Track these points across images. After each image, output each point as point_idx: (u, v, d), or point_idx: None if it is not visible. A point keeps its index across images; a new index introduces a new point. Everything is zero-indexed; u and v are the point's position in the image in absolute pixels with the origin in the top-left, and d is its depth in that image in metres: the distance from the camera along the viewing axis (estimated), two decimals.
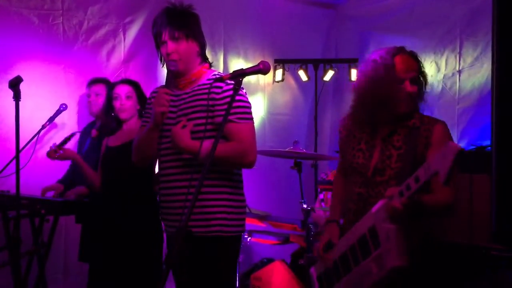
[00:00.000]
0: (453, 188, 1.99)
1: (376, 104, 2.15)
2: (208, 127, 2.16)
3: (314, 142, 4.79)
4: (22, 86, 2.73)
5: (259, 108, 4.84)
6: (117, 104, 3.09)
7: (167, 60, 2.30)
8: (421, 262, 2.09)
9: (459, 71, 3.98)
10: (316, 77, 4.83)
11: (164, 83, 2.39)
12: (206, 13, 4.32)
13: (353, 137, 2.28)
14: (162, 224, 2.57)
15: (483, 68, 3.79)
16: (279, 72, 4.81)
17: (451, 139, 2.15)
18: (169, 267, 1.73)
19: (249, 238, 3.67)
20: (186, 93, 2.32)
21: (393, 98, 2.12)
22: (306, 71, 4.83)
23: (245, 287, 3.63)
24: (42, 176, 3.66)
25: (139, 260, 2.97)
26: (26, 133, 3.46)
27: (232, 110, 2.17)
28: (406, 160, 2.10)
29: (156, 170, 3.05)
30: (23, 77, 2.74)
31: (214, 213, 2.23)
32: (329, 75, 4.83)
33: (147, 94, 2.89)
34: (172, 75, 2.32)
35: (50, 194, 3.45)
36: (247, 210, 2.87)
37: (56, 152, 3.16)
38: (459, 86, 3.98)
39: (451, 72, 4.03)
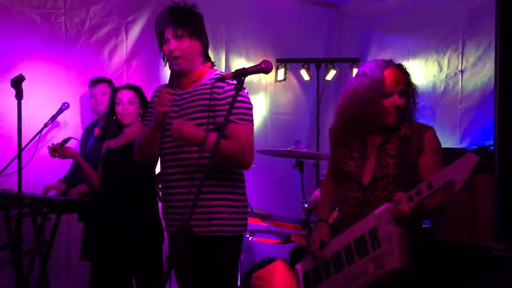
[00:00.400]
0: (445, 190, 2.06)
1: (365, 117, 2.24)
2: (210, 126, 2.16)
3: (316, 141, 4.79)
4: (24, 85, 2.73)
5: (261, 107, 4.84)
6: (119, 109, 3.09)
7: (170, 58, 2.30)
8: (423, 262, 2.11)
9: (462, 71, 3.97)
10: (318, 77, 4.82)
11: (166, 82, 2.39)
12: (208, 13, 4.29)
13: (344, 146, 2.35)
14: (163, 223, 2.57)
15: (485, 68, 3.78)
16: (281, 72, 4.81)
17: (439, 144, 2.27)
18: (171, 266, 1.73)
19: (251, 237, 3.68)
20: (188, 93, 2.32)
21: (381, 111, 2.22)
22: (308, 71, 4.82)
23: (247, 287, 3.63)
24: (44, 174, 3.67)
25: (140, 259, 2.98)
26: (28, 132, 3.47)
27: (233, 111, 2.16)
28: (400, 167, 2.19)
29: (158, 169, 3.06)
30: (25, 75, 2.74)
31: (215, 212, 2.23)
32: (331, 74, 4.83)
33: (149, 95, 2.90)
34: (175, 75, 2.31)
35: (52, 193, 3.45)
36: (249, 210, 2.87)
37: (56, 150, 3.17)
38: (461, 86, 3.97)
39: (454, 72, 4.02)
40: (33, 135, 3.55)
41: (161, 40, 2.34)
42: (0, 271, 3.24)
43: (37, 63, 3.76)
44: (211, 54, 2.55)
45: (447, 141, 3.92)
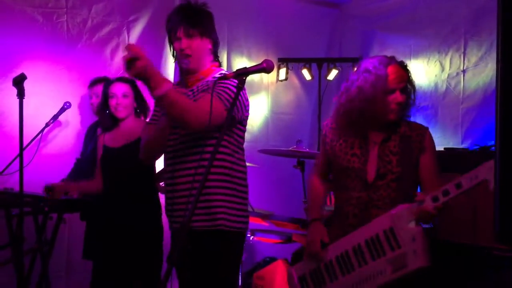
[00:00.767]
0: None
1: (369, 113, 2.25)
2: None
3: (317, 141, 4.78)
4: (26, 84, 2.74)
5: (262, 107, 4.84)
6: (113, 102, 3.06)
7: (180, 56, 2.33)
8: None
9: (464, 71, 3.96)
10: (319, 76, 4.82)
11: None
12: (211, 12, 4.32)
13: (343, 142, 2.34)
14: (163, 222, 2.58)
15: (487, 67, 3.77)
16: (283, 71, 4.81)
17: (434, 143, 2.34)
18: (172, 265, 1.73)
19: (252, 237, 3.67)
20: (191, 90, 2.34)
21: (384, 108, 2.24)
22: (309, 70, 4.82)
23: (248, 286, 3.63)
24: (45, 173, 3.67)
25: (139, 259, 2.98)
26: (30, 131, 3.48)
27: (217, 89, 2.16)
28: (404, 165, 2.23)
29: (158, 168, 3.06)
30: (27, 75, 2.74)
31: (218, 207, 2.23)
32: (332, 74, 4.82)
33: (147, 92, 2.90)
34: (184, 73, 2.35)
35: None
36: (250, 209, 2.86)
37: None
38: (463, 85, 3.96)
39: (456, 72, 4.02)
40: (35, 134, 3.56)
41: (172, 38, 2.36)
42: (1, 270, 3.25)
43: (39, 62, 3.76)
44: None
45: (449, 141, 3.91)
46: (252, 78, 4.45)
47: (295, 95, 5.02)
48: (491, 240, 2.52)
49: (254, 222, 3.64)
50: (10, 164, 3.36)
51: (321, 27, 5.05)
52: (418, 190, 2.39)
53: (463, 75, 3.96)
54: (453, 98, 4.01)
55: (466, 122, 3.91)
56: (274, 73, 4.74)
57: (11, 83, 2.77)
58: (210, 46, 2.37)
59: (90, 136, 3.60)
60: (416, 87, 2.37)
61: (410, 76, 2.31)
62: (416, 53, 4.30)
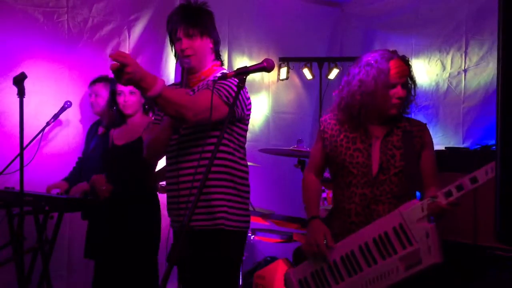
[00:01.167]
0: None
1: (371, 107, 2.24)
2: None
3: None
4: (26, 83, 2.74)
5: (263, 106, 4.84)
6: (121, 100, 3.10)
7: (182, 56, 2.33)
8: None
9: (465, 70, 3.96)
10: (320, 76, 4.82)
11: (169, 80, 2.40)
12: (211, 11, 4.32)
13: (345, 137, 2.31)
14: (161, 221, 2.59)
15: (488, 67, 3.77)
16: (284, 70, 4.81)
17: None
18: (172, 265, 1.73)
19: (253, 236, 3.67)
20: (193, 90, 2.34)
21: (385, 102, 2.23)
22: (310, 70, 4.82)
23: (249, 285, 3.63)
24: (46, 173, 3.67)
25: (141, 258, 2.98)
26: (31, 130, 3.48)
27: (217, 85, 2.17)
28: (408, 159, 2.22)
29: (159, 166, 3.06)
30: (27, 74, 2.74)
31: (218, 206, 2.23)
32: (333, 73, 4.82)
33: None
34: (186, 73, 2.34)
35: (54, 192, 3.46)
36: (251, 208, 2.86)
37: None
38: (464, 85, 3.96)
39: (457, 71, 4.01)
40: (36, 134, 3.55)
41: (173, 39, 2.37)
42: (2, 269, 3.24)
43: (39, 62, 3.76)
44: None
45: (450, 141, 3.91)
46: (253, 77, 4.45)
47: (296, 94, 5.02)
48: (493, 240, 2.51)
49: (255, 221, 3.64)
50: (10, 163, 3.36)
51: (322, 26, 5.05)
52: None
53: (464, 75, 3.96)
54: (454, 97, 4.01)
55: (467, 121, 3.91)
56: (275, 72, 4.74)
57: (11, 82, 2.77)
58: (211, 45, 2.37)
59: (91, 134, 3.60)
60: (417, 86, 2.37)
61: (411, 71, 2.31)
62: (417, 52, 4.30)
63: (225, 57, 4.56)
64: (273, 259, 3.81)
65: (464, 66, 3.96)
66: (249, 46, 4.72)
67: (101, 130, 3.44)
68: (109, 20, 3.99)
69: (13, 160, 3.33)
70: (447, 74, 4.08)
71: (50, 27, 3.79)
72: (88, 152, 3.53)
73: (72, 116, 3.88)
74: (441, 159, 2.46)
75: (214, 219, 2.22)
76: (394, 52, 2.30)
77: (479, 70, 3.86)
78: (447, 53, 4.08)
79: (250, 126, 4.64)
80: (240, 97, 2.22)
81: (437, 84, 4.12)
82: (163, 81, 2.03)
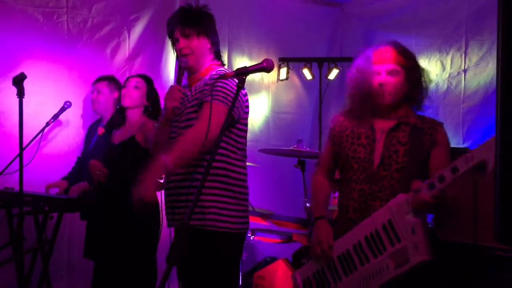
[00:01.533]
0: None
1: (363, 98, 2.24)
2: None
3: (318, 141, 4.78)
4: (26, 84, 2.74)
5: (263, 106, 4.84)
6: (123, 91, 3.13)
7: (180, 56, 2.36)
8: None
9: (465, 70, 3.96)
10: (320, 76, 4.82)
11: (168, 80, 2.42)
12: (211, 11, 4.31)
13: (350, 133, 2.28)
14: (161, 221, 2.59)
15: (488, 67, 3.77)
16: (284, 71, 4.80)
17: (448, 138, 2.28)
18: (171, 265, 1.73)
19: (252, 236, 3.67)
20: (191, 91, 2.36)
21: (372, 91, 2.20)
22: (310, 70, 4.82)
23: (248, 286, 3.63)
24: (46, 173, 3.67)
25: (140, 257, 2.98)
26: (30, 130, 3.48)
27: (216, 92, 2.20)
28: (412, 156, 2.14)
29: None
30: (27, 74, 2.74)
31: (208, 207, 2.23)
32: (333, 73, 4.82)
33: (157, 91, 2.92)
34: (182, 71, 2.37)
35: (54, 191, 3.46)
36: (250, 209, 2.85)
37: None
38: (464, 85, 3.96)
39: (457, 71, 4.01)
40: (35, 134, 3.55)
41: (173, 40, 2.41)
42: (2, 269, 3.24)
43: (39, 62, 3.76)
44: None
45: (450, 141, 3.89)
46: (252, 77, 4.45)
47: (296, 94, 5.02)
48: (493, 240, 2.51)
49: (255, 221, 3.64)
50: (10, 163, 3.36)
51: (322, 27, 5.05)
52: None
53: (464, 75, 3.96)
54: (454, 97, 4.01)
55: (467, 121, 3.91)
56: (274, 72, 4.73)
57: (11, 82, 2.77)
58: (208, 46, 2.38)
59: (91, 135, 3.60)
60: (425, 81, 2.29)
61: (409, 60, 2.24)
62: (417, 52, 4.25)
63: (225, 57, 4.56)
64: (272, 259, 3.80)
65: (464, 66, 3.96)
66: (249, 46, 4.72)
67: (100, 130, 3.43)
68: (108, 21, 3.99)
69: (12, 161, 3.33)
70: (447, 74, 4.08)
71: (49, 27, 3.79)
72: (87, 152, 3.53)
73: (72, 116, 3.88)
74: None
75: (204, 220, 2.22)
76: (389, 41, 2.26)
77: (479, 70, 3.86)
78: (447, 53, 4.08)
79: (250, 126, 4.64)
80: (238, 98, 2.22)
81: (437, 84, 4.12)
82: (165, 159, 2.11)
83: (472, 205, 2.70)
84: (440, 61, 4.12)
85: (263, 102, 4.84)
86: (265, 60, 2.02)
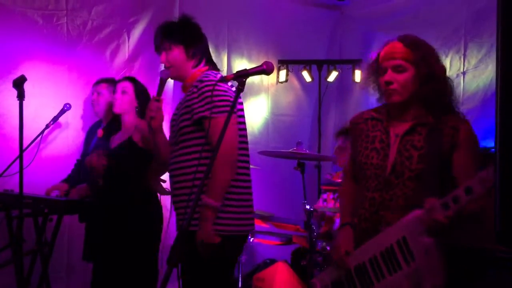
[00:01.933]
0: None
1: (377, 96, 2.12)
2: (192, 128, 2.26)
3: (317, 143, 4.79)
4: (26, 86, 2.74)
5: (262, 108, 4.84)
6: (113, 98, 3.16)
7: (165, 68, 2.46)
8: None
9: (464, 73, 3.96)
10: (319, 78, 4.82)
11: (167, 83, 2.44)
12: (210, 14, 4.33)
13: (365, 136, 2.13)
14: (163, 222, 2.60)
15: (487, 69, 3.78)
16: (283, 73, 4.81)
17: (477, 140, 2.04)
18: (171, 267, 1.73)
19: (252, 238, 3.67)
20: (183, 98, 2.40)
21: (380, 88, 2.08)
22: (309, 72, 4.83)
23: None
24: (45, 175, 3.67)
25: (140, 259, 2.98)
26: (30, 133, 3.48)
27: (208, 105, 2.22)
28: (429, 161, 1.95)
29: None
30: (27, 76, 2.74)
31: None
32: (333, 76, 4.83)
33: (153, 93, 2.90)
34: (162, 83, 2.46)
35: (54, 194, 3.45)
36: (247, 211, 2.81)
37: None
38: (463, 87, 3.97)
39: (456, 74, 4.02)
40: (35, 136, 3.55)
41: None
42: (1, 271, 3.24)
43: (39, 64, 3.76)
44: (212, 55, 2.58)
45: None
46: (252, 79, 4.45)
47: (295, 96, 5.02)
48: (493, 241, 2.51)
49: (254, 223, 3.64)
50: (10, 165, 3.35)
51: (322, 29, 5.06)
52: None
53: (463, 77, 3.96)
54: None
55: None
56: (274, 74, 4.74)
57: (10, 84, 2.77)
58: (184, 54, 2.40)
59: (90, 137, 3.60)
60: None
61: (414, 50, 2.03)
62: None
63: (224, 59, 4.58)
64: (272, 261, 3.80)
65: (463, 68, 3.97)
66: (248, 49, 4.72)
67: (100, 132, 3.44)
68: (108, 23, 4.00)
69: (12, 163, 3.33)
70: None
71: (49, 29, 3.80)
72: (87, 154, 3.53)
73: (72, 118, 3.88)
74: None
75: (194, 219, 2.19)
76: (400, 36, 2.07)
77: (478, 73, 3.86)
78: (446, 56, 4.08)
79: (249, 128, 4.64)
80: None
81: None
82: (209, 202, 2.15)
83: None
84: None
85: (263, 104, 4.84)
86: (265, 63, 2.02)
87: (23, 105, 2.72)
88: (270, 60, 2.10)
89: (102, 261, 3.08)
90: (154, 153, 2.65)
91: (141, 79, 3.39)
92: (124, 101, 3.13)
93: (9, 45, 3.67)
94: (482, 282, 2.57)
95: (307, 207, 3.41)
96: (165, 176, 2.75)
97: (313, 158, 4.22)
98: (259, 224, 3.70)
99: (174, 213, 2.45)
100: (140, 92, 3.16)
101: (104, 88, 3.55)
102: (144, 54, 4.13)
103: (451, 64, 4.05)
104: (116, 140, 3.16)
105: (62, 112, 3.69)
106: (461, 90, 3.97)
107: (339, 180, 3.63)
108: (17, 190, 2.84)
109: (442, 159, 1.96)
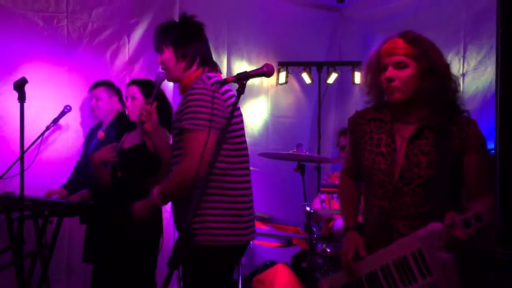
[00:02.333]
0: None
1: (375, 95, 2.05)
2: (174, 131, 2.26)
3: (317, 144, 4.79)
4: (26, 88, 2.75)
5: (262, 110, 4.85)
6: (127, 104, 3.12)
7: None
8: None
9: (463, 74, 3.96)
10: (319, 80, 4.83)
11: (168, 85, 2.43)
12: (210, 16, 4.32)
13: (369, 139, 2.04)
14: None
15: (487, 71, 3.78)
16: (283, 75, 4.82)
17: (485, 139, 1.99)
18: (172, 269, 1.74)
19: (252, 240, 3.67)
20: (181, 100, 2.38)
21: (382, 88, 2.00)
22: (309, 74, 4.83)
23: None
24: (46, 177, 3.68)
25: (140, 261, 2.98)
26: (30, 135, 3.48)
27: (182, 113, 2.18)
28: (438, 167, 1.88)
29: None
30: (27, 78, 2.75)
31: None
32: (332, 77, 4.83)
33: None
34: (157, 86, 2.49)
35: (54, 197, 3.45)
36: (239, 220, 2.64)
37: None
38: (463, 89, 3.96)
39: (455, 75, 4.02)
40: (35, 138, 3.56)
41: None
42: (2, 273, 3.24)
43: (39, 66, 3.76)
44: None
45: None
46: (252, 81, 4.43)
47: (295, 98, 5.03)
48: (493, 243, 2.51)
49: (251, 233, 3.64)
50: (10, 167, 3.36)
51: (321, 31, 5.06)
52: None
53: (463, 79, 3.97)
54: None
55: None
56: (274, 76, 4.73)
57: (11, 86, 2.77)
58: (173, 55, 2.34)
59: (90, 139, 3.60)
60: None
61: (416, 45, 1.95)
62: None
63: (224, 61, 4.58)
64: (272, 263, 3.80)
65: (463, 70, 3.97)
66: (248, 51, 4.73)
67: (100, 134, 3.44)
68: (108, 25, 4.00)
69: (12, 165, 3.34)
70: None
71: (49, 31, 3.80)
72: (87, 156, 3.53)
73: (72, 120, 3.88)
74: None
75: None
76: (400, 32, 2.00)
77: (478, 75, 3.86)
78: (445, 57, 4.08)
79: (249, 130, 4.68)
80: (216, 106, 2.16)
81: None
82: (154, 193, 2.19)
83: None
84: None
85: (262, 106, 4.85)
86: (266, 65, 2.01)
87: (24, 107, 2.72)
88: (270, 62, 2.08)
89: (102, 263, 3.08)
90: (157, 155, 2.64)
91: None
92: (136, 107, 3.03)
93: (9, 47, 3.67)
94: (483, 284, 2.57)
95: (307, 209, 3.41)
96: None
97: (313, 160, 4.22)
98: (259, 226, 3.70)
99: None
100: (149, 92, 3.13)
101: (102, 92, 3.56)
102: (145, 56, 4.14)
103: (451, 66, 4.04)
104: (129, 140, 3.12)
105: (63, 114, 3.69)
106: (461, 92, 3.97)
107: (337, 182, 3.62)
108: (17, 192, 2.84)
109: (452, 164, 1.89)
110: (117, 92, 3.61)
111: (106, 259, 3.03)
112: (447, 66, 2.05)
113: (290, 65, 4.83)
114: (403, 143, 1.96)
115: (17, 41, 3.70)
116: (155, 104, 2.45)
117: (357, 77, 4.67)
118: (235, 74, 2.08)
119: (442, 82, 1.99)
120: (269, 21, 4.79)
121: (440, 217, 1.81)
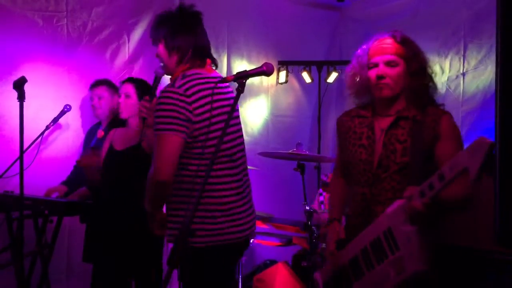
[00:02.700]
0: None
1: (361, 92, 2.16)
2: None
3: (317, 144, 4.79)
4: (26, 87, 2.74)
5: (262, 109, 4.85)
6: (119, 101, 3.12)
7: None
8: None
9: (463, 74, 3.96)
10: (319, 79, 4.83)
11: (168, 84, 2.40)
12: (210, 15, 4.29)
13: (353, 133, 2.18)
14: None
15: (487, 70, 3.78)
16: (283, 74, 4.82)
17: (458, 130, 2.10)
18: (172, 268, 1.74)
19: (252, 239, 3.67)
20: None
21: (370, 85, 2.11)
22: (309, 73, 4.83)
23: None
24: (46, 176, 3.67)
25: (140, 260, 2.98)
26: (30, 134, 3.48)
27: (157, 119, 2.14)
28: (412, 154, 2.00)
29: None
30: (27, 78, 2.74)
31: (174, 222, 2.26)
32: (332, 77, 4.83)
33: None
34: (157, 81, 2.46)
35: (54, 195, 3.46)
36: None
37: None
38: (463, 88, 3.97)
39: (455, 75, 4.02)
40: (35, 137, 3.56)
41: None
42: (2, 272, 3.24)
43: (39, 65, 3.76)
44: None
45: None
46: (252, 81, 4.45)
47: (295, 97, 5.03)
48: (492, 243, 2.51)
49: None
50: (10, 167, 3.36)
51: (321, 30, 5.06)
52: None
53: (463, 78, 3.97)
54: (453, 100, 4.02)
55: (466, 125, 3.91)
56: (274, 75, 4.75)
57: (11, 86, 2.77)
58: (165, 49, 2.29)
59: (90, 138, 3.61)
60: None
61: (406, 47, 2.08)
62: None
63: (224, 60, 4.58)
64: (272, 262, 3.81)
65: (463, 69, 3.97)
66: (248, 50, 4.73)
67: (100, 133, 3.44)
68: (108, 24, 4.00)
69: (12, 164, 3.33)
70: (446, 78, 4.08)
71: (49, 31, 3.80)
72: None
73: (72, 119, 3.88)
74: None
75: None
76: (390, 32, 2.12)
77: (478, 74, 3.86)
78: (446, 57, 4.09)
79: (249, 129, 4.69)
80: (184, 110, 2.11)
81: None
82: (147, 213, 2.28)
83: (471, 208, 2.70)
84: (439, 64, 4.13)
85: (262, 105, 4.85)
86: (265, 64, 2.00)
87: (23, 106, 2.72)
88: (270, 61, 2.08)
89: (103, 263, 3.08)
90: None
91: None
92: (129, 105, 3.07)
93: (9, 46, 3.67)
94: (482, 283, 2.57)
95: (307, 208, 3.42)
96: None
97: (313, 159, 4.22)
98: (259, 225, 3.70)
99: None
100: (143, 92, 3.13)
101: (104, 91, 3.56)
102: (145, 55, 4.14)
103: (451, 65, 4.05)
104: (119, 140, 3.11)
105: (62, 113, 3.70)
106: (461, 91, 3.97)
107: None
108: (17, 191, 2.84)
109: (425, 151, 2.00)
110: (118, 91, 3.61)
111: (106, 259, 3.03)
112: (430, 67, 2.18)
113: (290, 64, 4.83)
114: (382, 134, 2.10)
115: (16, 40, 3.70)
116: (154, 100, 2.42)
117: None
118: (235, 73, 2.07)
119: (428, 81, 2.13)
120: (269, 20, 4.79)
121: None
